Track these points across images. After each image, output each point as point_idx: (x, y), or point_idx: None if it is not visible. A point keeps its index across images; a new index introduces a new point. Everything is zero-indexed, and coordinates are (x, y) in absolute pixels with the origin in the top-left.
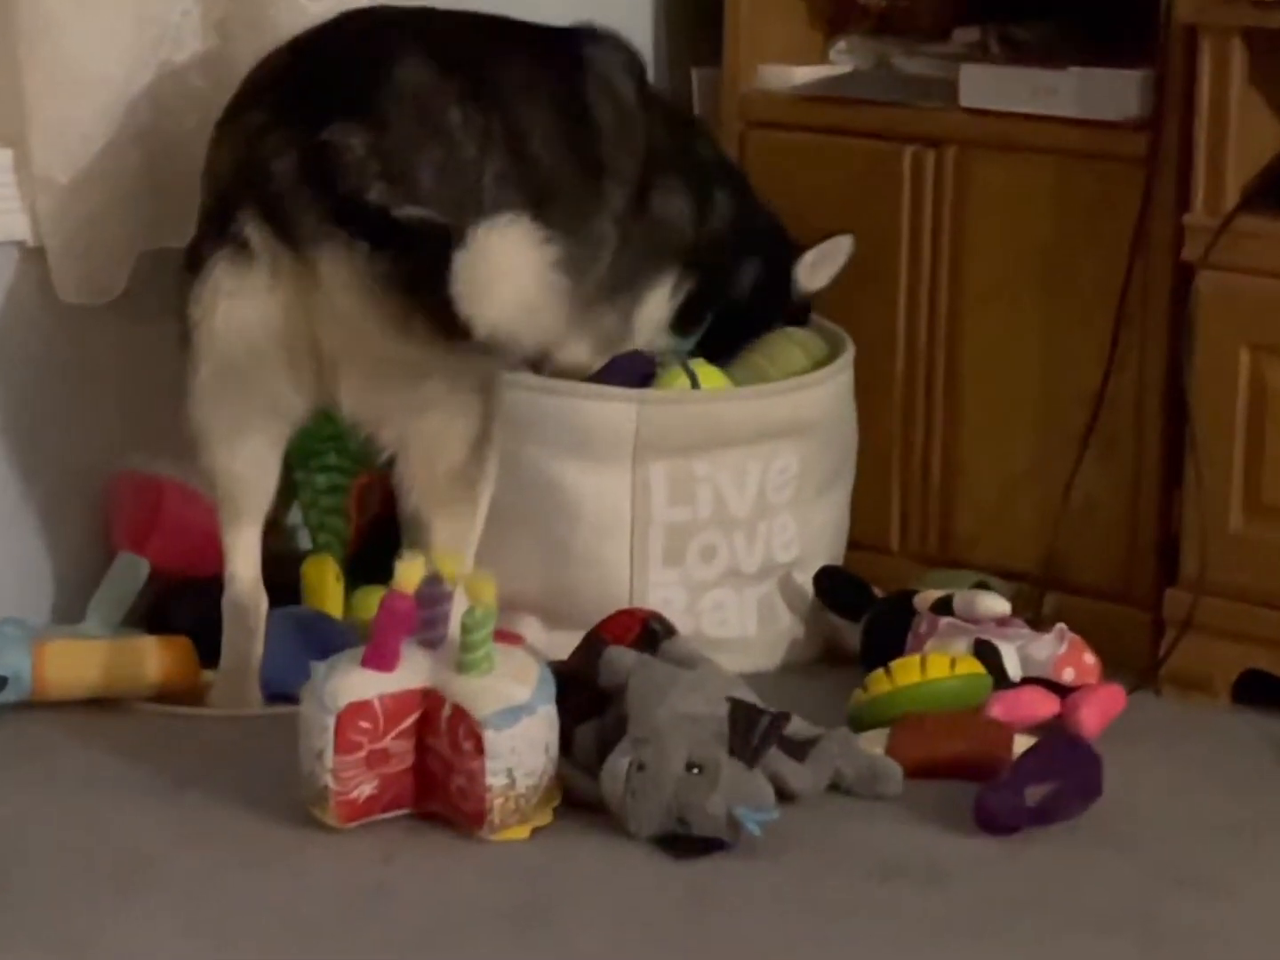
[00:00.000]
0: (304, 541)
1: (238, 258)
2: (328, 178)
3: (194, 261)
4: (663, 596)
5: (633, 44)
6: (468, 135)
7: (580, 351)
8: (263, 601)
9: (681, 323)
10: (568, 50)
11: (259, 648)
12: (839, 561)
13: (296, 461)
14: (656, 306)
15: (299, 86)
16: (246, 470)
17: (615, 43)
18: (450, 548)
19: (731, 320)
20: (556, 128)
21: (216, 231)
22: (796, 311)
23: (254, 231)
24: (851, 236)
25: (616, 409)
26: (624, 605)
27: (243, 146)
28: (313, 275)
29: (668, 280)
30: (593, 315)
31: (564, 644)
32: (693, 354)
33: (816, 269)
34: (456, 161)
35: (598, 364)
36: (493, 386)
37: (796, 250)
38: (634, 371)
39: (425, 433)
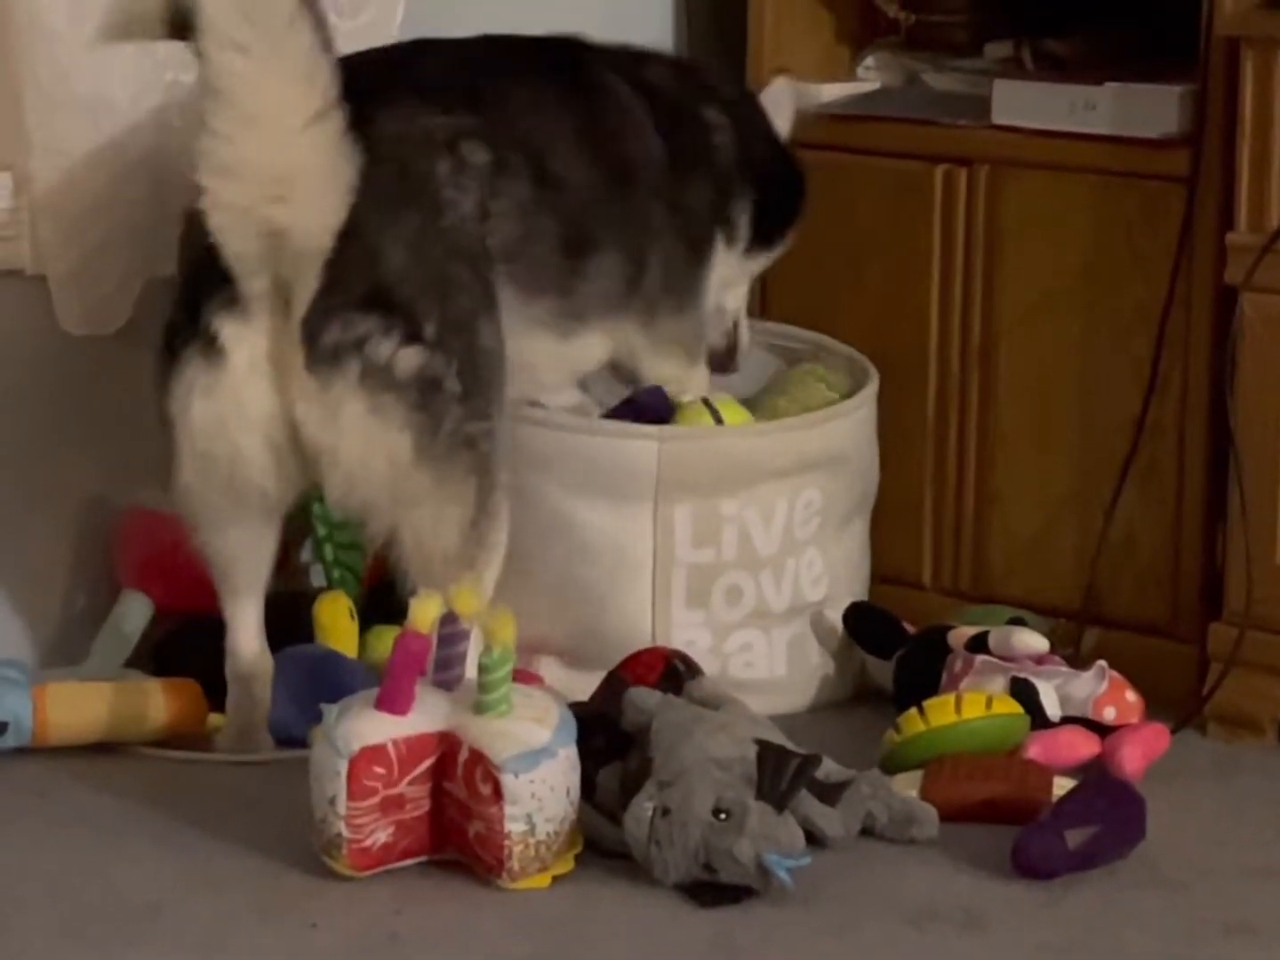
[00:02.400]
0: (317, 579)
1: (208, 352)
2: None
3: (168, 346)
4: (686, 638)
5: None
6: (461, 184)
7: (670, 366)
8: (268, 669)
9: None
10: (562, 61)
11: (266, 711)
12: (863, 596)
13: (313, 496)
14: (716, 273)
15: None
16: (239, 552)
17: (586, 40)
18: None
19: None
20: (575, 143)
21: (186, 322)
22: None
23: (222, 324)
24: (786, 78)
25: (637, 447)
26: (646, 646)
27: (205, 229)
28: (299, 373)
29: (718, 246)
30: (665, 328)
31: (585, 684)
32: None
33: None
34: (439, 225)
35: (692, 373)
36: (487, 466)
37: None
38: (653, 409)
39: (415, 524)
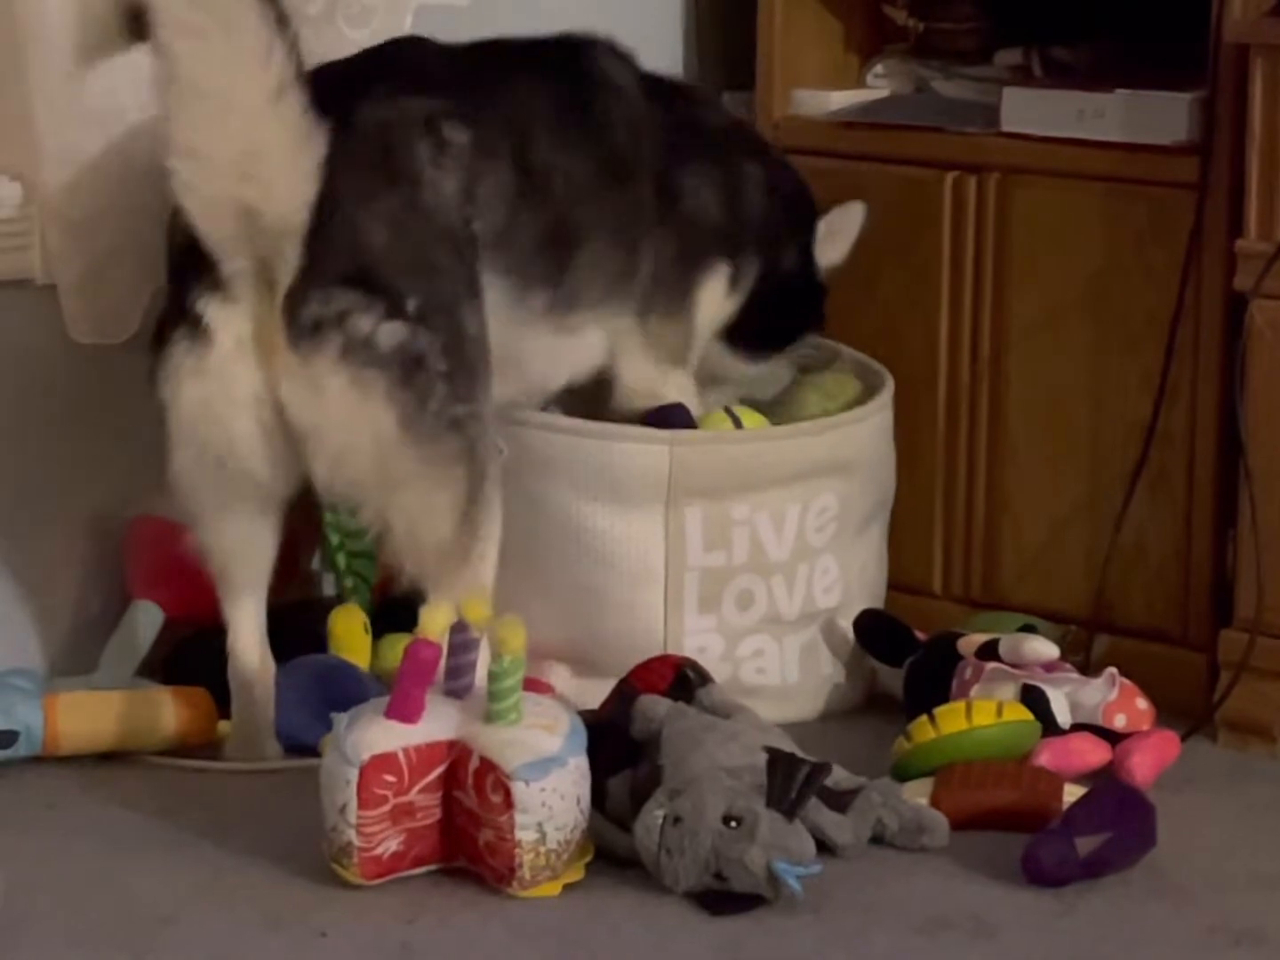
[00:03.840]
0: (327, 587)
1: (195, 335)
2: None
3: (159, 337)
4: (698, 644)
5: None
6: (441, 163)
7: (647, 365)
8: (270, 670)
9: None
10: (563, 56)
11: (270, 712)
12: (879, 604)
13: (325, 504)
14: (714, 308)
15: None
16: (238, 546)
17: (604, 40)
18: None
19: (774, 306)
20: (565, 135)
21: (174, 306)
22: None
23: (207, 306)
24: (863, 204)
25: (649, 450)
26: (657, 653)
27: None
28: (283, 353)
29: (720, 275)
30: (654, 331)
31: (595, 692)
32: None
33: (830, 243)
34: (421, 205)
35: (667, 379)
36: (475, 451)
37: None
38: (674, 424)
39: (405, 508)
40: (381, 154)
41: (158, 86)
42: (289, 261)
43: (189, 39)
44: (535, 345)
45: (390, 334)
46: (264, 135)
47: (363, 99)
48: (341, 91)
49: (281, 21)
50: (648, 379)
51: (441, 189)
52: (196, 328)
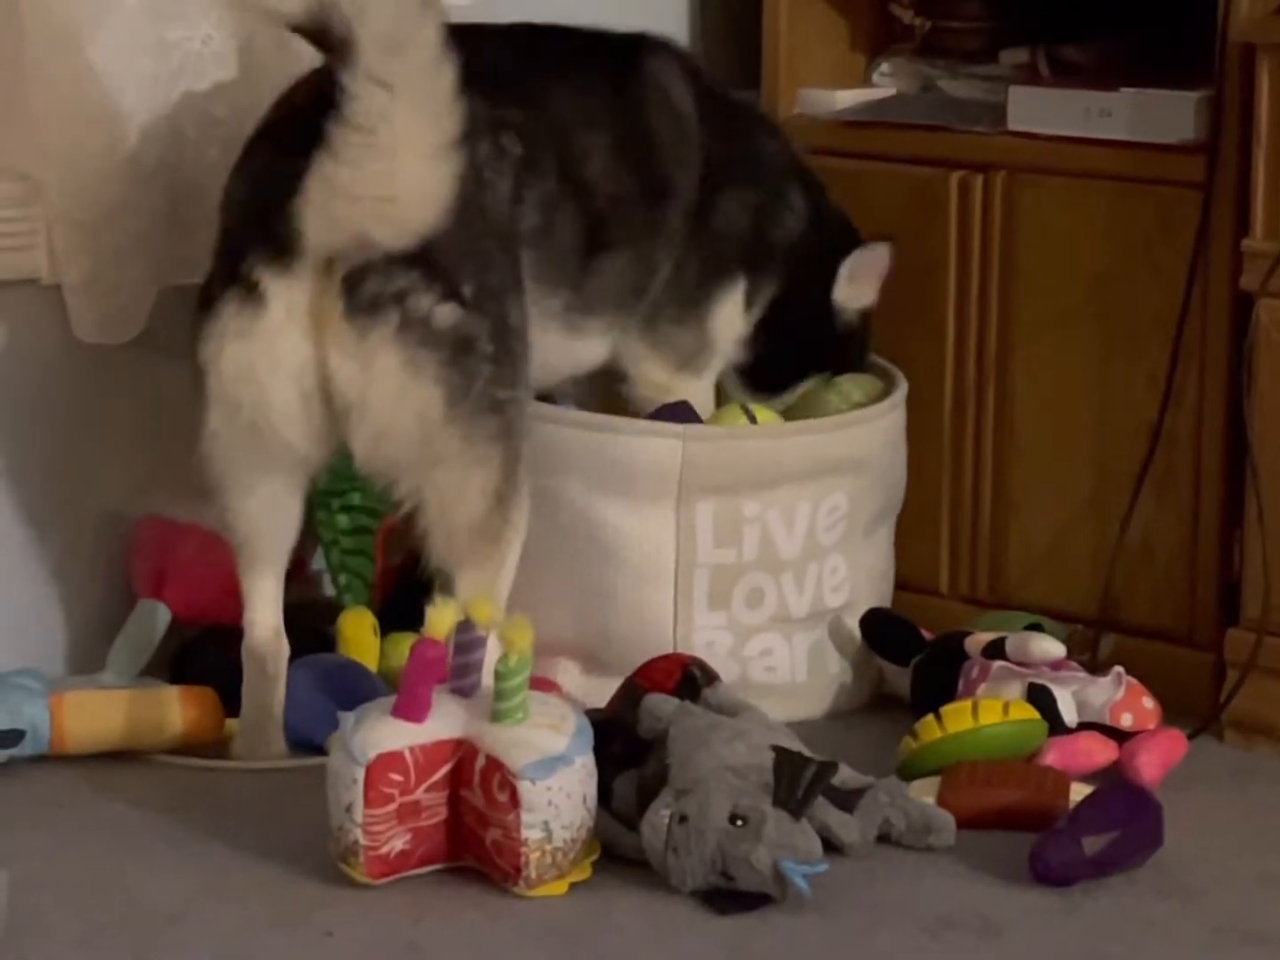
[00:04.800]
0: (330, 587)
1: (247, 299)
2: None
3: (205, 300)
4: (707, 640)
5: (687, 49)
6: (499, 168)
7: (657, 370)
8: (284, 649)
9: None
10: (622, 63)
11: (280, 695)
12: (887, 604)
13: (318, 501)
14: (729, 319)
15: (317, 120)
16: (262, 515)
17: (671, 49)
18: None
19: (783, 343)
20: (612, 147)
21: (227, 270)
22: (848, 342)
23: (264, 273)
24: (889, 244)
25: (660, 445)
26: (666, 649)
27: (255, 181)
28: (336, 323)
29: (737, 289)
30: (662, 332)
31: (602, 690)
32: (750, 386)
33: (853, 285)
34: (480, 201)
35: (682, 382)
36: (512, 434)
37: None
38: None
39: (441, 486)
40: None
41: (338, 119)
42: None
43: (377, 87)
44: (543, 343)
45: (446, 315)
46: (413, 186)
47: None
48: None
49: (460, 88)
50: (658, 385)
51: (497, 190)
52: (250, 292)
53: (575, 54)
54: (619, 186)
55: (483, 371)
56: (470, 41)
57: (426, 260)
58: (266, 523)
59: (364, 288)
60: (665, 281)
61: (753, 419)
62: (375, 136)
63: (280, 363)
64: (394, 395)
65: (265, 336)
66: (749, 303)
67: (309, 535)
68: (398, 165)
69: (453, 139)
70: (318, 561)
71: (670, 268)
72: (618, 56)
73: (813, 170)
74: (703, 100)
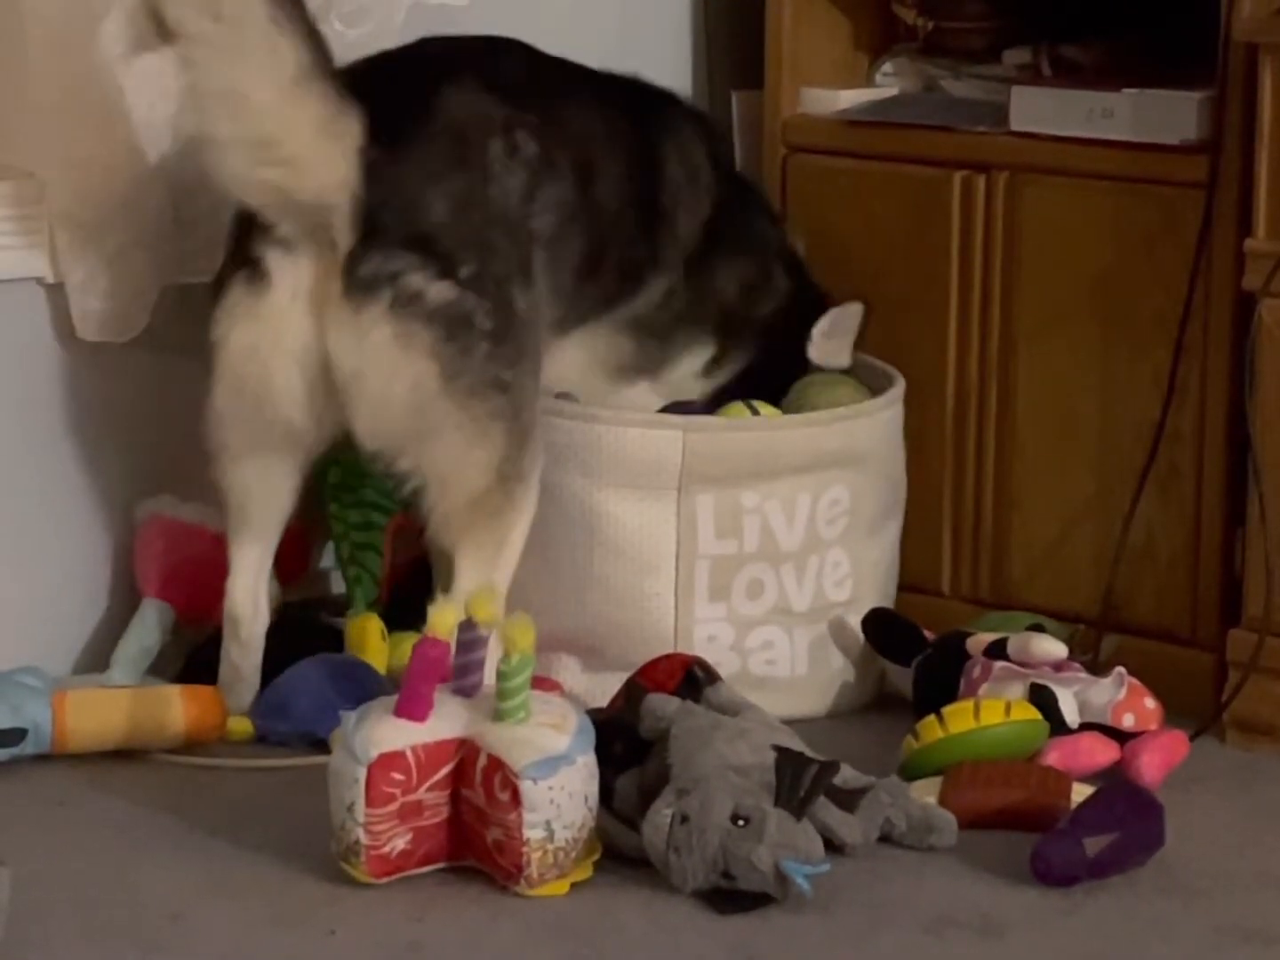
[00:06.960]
0: (337, 585)
1: (253, 279)
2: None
3: (218, 283)
4: (708, 632)
5: (712, 117)
6: (509, 164)
7: (624, 393)
8: (262, 619)
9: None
10: (649, 105)
11: (256, 658)
12: (891, 604)
13: (330, 495)
14: (686, 375)
15: None
16: (257, 484)
17: (699, 113)
18: (474, 583)
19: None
20: (625, 173)
21: (237, 253)
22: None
23: (270, 254)
24: (861, 304)
25: (661, 437)
26: (667, 642)
27: None
28: (336, 299)
29: (704, 351)
30: (616, 348)
31: (604, 687)
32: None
33: (828, 342)
34: (486, 193)
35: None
36: (519, 414)
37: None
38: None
39: (440, 459)
40: (457, 143)
41: (179, 77)
42: (345, 228)
43: (200, 44)
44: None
45: (439, 292)
46: (279, 125)
47: (451, 88)
48: (433, 75)
49: (292, 18)
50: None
51: (507, 185)
52: (256, 271)
53: (599, 85)
54: (624, 211)
55: (480, 348)
56: (505, 50)
57: (425, 244)
58: (259, 493)
59: (363, 268)
60: (637, 319)
61: (756, 414)
62: (213, 83)
63: (284, 345)
64: (387, 369)
65: (270, 318)
66: (712, 369)
67: (320, 530)
68: (246, 105)
69: (301, 72)
70: (327, 558)
71: (648, 309)
72: (648, 98)
73: (796, 251)
74: (717, 164)
